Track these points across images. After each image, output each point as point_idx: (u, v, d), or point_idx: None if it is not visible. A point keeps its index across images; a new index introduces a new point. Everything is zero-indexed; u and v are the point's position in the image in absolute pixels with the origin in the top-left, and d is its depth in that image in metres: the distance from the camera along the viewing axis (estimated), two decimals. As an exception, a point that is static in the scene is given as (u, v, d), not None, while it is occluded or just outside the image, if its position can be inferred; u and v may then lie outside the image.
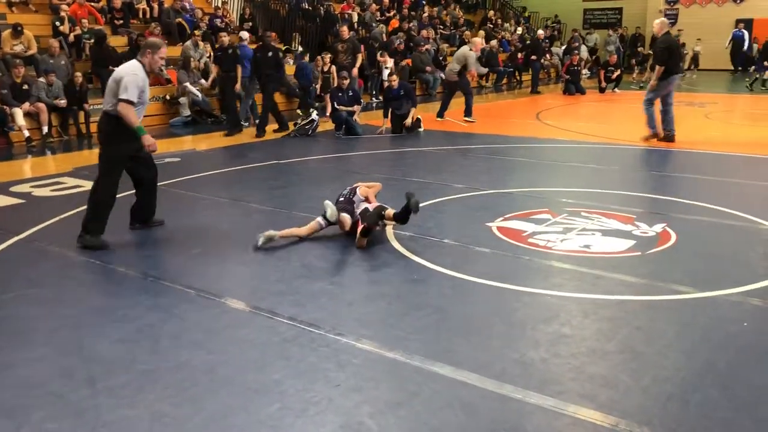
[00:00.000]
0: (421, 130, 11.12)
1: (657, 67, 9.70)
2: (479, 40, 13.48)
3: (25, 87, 10.37)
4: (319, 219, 5.31)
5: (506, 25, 24.72)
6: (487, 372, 3.19)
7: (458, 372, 3.19)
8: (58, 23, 12.50)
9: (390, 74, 13.02)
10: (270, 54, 10.84)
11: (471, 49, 12.35)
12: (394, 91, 10.95)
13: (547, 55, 22.04)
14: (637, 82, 20.53)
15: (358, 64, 13.30)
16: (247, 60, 11.42)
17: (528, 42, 21.17)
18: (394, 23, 19.42)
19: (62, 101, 10.62)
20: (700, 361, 3.30)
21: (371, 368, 3.26)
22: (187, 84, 12.29)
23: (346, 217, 5.25)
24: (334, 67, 13.27)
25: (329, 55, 13.99)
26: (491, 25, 23.35)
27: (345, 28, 13.88)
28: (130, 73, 5.01)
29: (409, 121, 10.87)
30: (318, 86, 14.35)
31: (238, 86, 11.17)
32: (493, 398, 2.98)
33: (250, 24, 16.57)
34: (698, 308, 3.96)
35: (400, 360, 3.32)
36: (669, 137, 9.78)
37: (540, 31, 21.67)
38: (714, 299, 4.06)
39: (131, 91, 4.93)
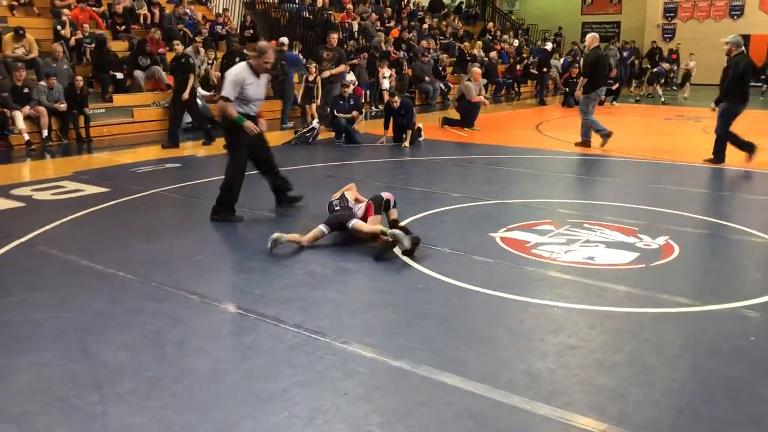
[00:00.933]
0: (422, 139, 11.12)
1: (581, 78, 10.82)
2: (478, 70, 13.48)
3: (26, 90, 10.36)
4: (322, 227, 5.30)
5: (505, 36, 24.83)
6: (494, 382, 3.17)
7: (466, 382, 3.17)
8: (59, 27, 12.49)
9: (391, 91, 12.76)
10: (237, 60, 9.99)
11: (469, 79, 12.88)
12: (394, 111, 10.91)
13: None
14: (634, 95, 20.62)
15: (335, 71, 12.89)
16: (291, 65, 11.78)
17: (537, 55, 21.31)
18: (395, 33, 19.48)
19: (62, 105, 10.60)
20: (709, 374, 3.29)
21: (378, 377, 3.24)
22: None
23: (360, 223, 5.25)
24: (320, 78, 12.94)
25: (315, 65, 13.49)
26: (490, 37, 23.44)
27: (335, 36, 13.52)
28: (232, 73, 5.85)
29: (407, 141, 10.77)
30: (299, 94, 14.00)
31: (186, 94, 10.40)
32: (502, 409, 2.96)
33: (251, 32, 16.59)
34: (704, 321, 3.96)
35: (407, 369, 3.31)
36: (586, 143, 10.67)
37: (549, 44, 21.76)
38: (719, 312, 4.06)
39: (227, 89, 5.80)
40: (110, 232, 5.74)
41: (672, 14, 27.06)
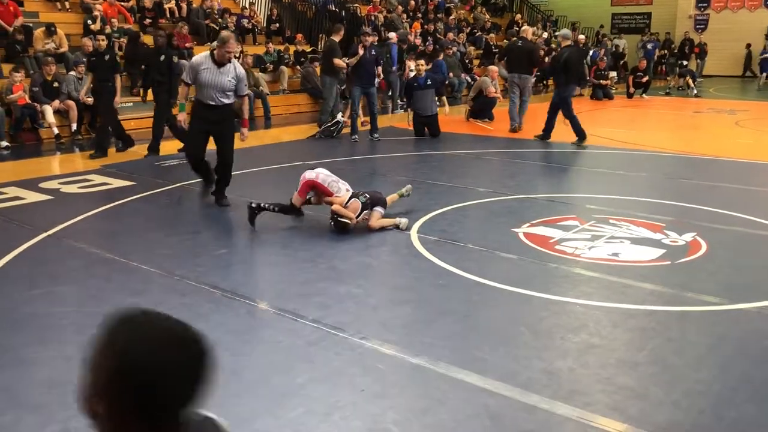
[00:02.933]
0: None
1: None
2: (495, 68, 13.53)
3: (56, 84, 10.50)
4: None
5: (533, 29, 24.53)
6: (513, 381, 3.14)
7: (484, 380, 3.14)
8: (90, 22, 12.65)
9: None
10: (162, 58, 9.05)
11: (487, 75, 13.11)
12: (420, 80, 10.80)
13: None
14: (664, 87, 20.28)
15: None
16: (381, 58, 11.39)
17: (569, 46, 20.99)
18: (417, 26, 19.36)
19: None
20: (735, 375, 3.22)
21: (396, 374, 3.23)
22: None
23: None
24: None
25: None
26: (517, 29, 23.18)
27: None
28: (192, 59, 6.28)
29: (446, 106, 10.86)
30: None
31: (117, 99, 9.21)
32: (520, 408, 2.93)
33: (277, 25, 16.64)
34: (732, 320, 3.88)
35: (426, 366, 3.29)
36: (515, 129, 11.23)
37: (581, 36, 21.45)
38: (747, 311, 3.97)
39: (184, 72, 6.25)
40: (135, 226, 5.80)
41: (705, 4, 26.48)
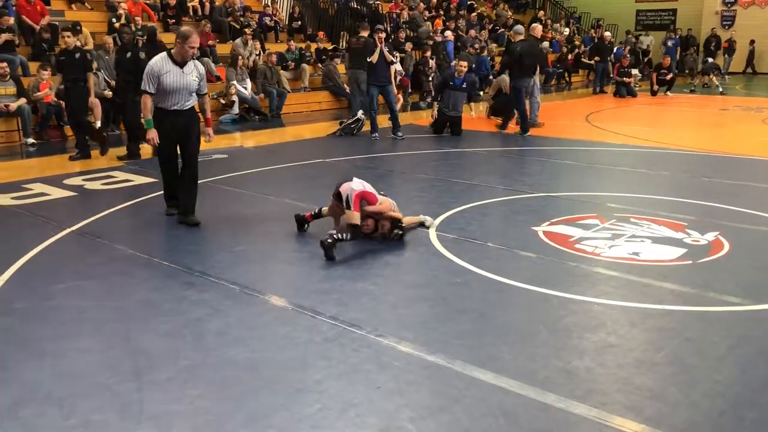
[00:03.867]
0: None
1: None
2: None
3: (81, 83, 10.63)
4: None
5: (556, 25, 24.38)
6: (529, 380, 3.13)
7: (500, 379, 3.14)
8: (114, 20, 12.80)
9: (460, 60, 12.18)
10: (128, 55, 8.79)
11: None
12: (458, 80, 10.74)
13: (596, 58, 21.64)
14: (689, 85, 20.01)
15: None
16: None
17: (594, 43, 20.82)
18: (438, 22, 19.31)
19: (108, 92, 10.83)
20: (756, 377, 3.18)
21: (412, 371, 3.23)
22: (235, 82, 12.45)
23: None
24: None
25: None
26: (541, 25, 23.04)
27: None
28: (149, 65, 5.43)
29: (472, 110, 10.78)
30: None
31: (92, 99, 9.00)
32: (536, 407, 2.93)
33: (299, 23, 16.70)
34: (753, 321, 3.83)
35: (442, 364, 3.29)
36: (534, 124, 11.50)
37: (607, 33, 21.25)
38: (769, 312, 3.92)
39: (143, 82, 5.40)
40: (156, 222, 5.87)
41: (732, 0, 26.10)
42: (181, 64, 5.43)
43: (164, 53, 5.50)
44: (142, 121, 5.44)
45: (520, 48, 10.86)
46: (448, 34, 13.98)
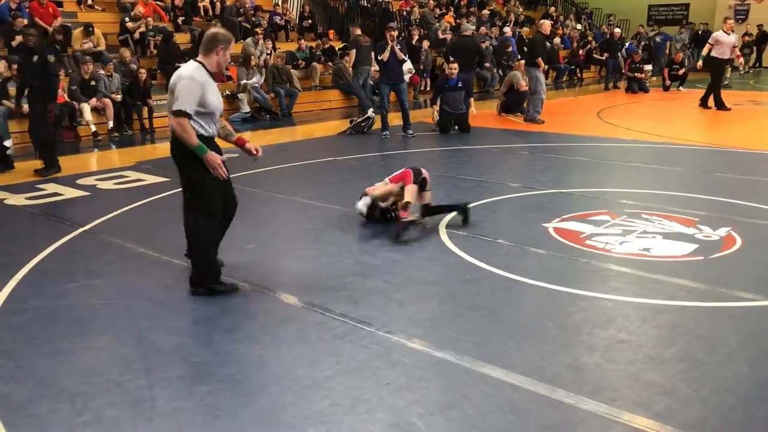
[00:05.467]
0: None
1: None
2: (522, 62, 13.45)
3: (93, 83, 10.72)
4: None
5: (567, 21, 24.25)
6: (539, 376, 3.13)
7: (509, 375, 3.14)
8: (127, 19, 12.89)
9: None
10: (35, 59, 7.59)
11: (518, 69, 13.10)
12: (451, 82, 10.71)
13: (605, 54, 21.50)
14: (701, 80, 19.83)
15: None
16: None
17: (604, 39, 20.70)
18: (448, 18, 19.27)
19: (118, 96, 10.91)
20: (766, 373, 3.16)
21: (421, 368, 3.24)
22: (246, 81, 12.50)
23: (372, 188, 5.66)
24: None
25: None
26: (552, 21, 22.93)
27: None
28: (184, 76, 3.92)
29: (473, 110, 10.73)
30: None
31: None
32: (545, 403, 2.93)
33: (310, 22, 16.73)
34: (765, 317, 3.80)
35: (451, 361, 3.30)
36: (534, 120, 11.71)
37: (617, 29, 21.11)
38: (781, 308, 3.89)
39: (183, 99, 3.85)
40: (168, 221, 5.89)
41: (745, -6, 25.84)
42: (214, 77, 4.09)
43: (196, 63, 4.02)
44: (190, 145, 3.95)
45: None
46: (507, 30, 14.35)
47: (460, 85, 10.70)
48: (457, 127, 10.81)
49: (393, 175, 5.70)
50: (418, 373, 3.19)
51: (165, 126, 11.70)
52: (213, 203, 4.13)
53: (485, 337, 3.57)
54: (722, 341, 3.49)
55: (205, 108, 3.95)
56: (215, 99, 4.02)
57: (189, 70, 3.96)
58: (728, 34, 13.18)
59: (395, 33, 10.42)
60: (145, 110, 11.30)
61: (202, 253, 4.18)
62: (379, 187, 5.64)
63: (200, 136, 3.97)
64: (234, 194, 4.36)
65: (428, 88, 16.54)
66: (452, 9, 20.61)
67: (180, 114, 3.86)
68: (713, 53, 13.17)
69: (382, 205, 5.61)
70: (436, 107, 10.86)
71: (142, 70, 11.43)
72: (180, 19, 14.23)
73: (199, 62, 4.02)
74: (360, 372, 3.19)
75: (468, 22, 18.91)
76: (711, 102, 13.29)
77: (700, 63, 13.28)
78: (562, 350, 3.40)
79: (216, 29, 4.17)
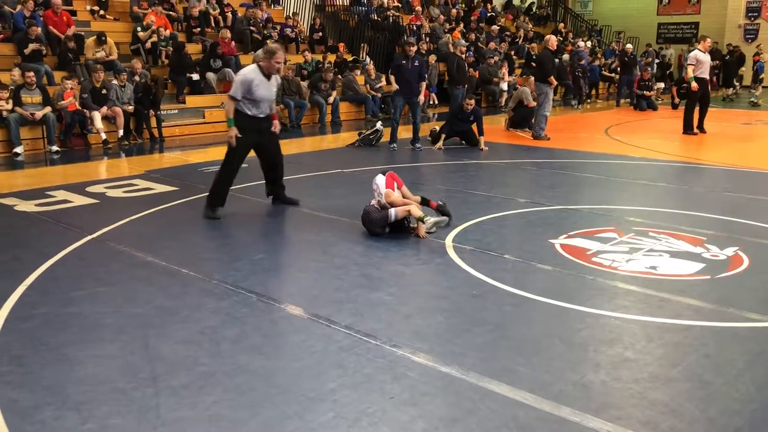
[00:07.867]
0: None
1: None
2: (532, 79, 13.44)
3: (104, 91, 10.82)
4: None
5: (577, 39, 24.30)
6: (544, 393, 3.12)
7: (515, 391, 3.14)
8: (139, 29, 13.01)
9: (469, 94, 11.76)
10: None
11: (527, 85, 13.20)
12: (465, 113, 10.75)
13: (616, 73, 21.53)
14: (716, 98, 19.84)
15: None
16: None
17: (619, 55, 20.76)
18: (456, 35, 19.36)
19: (130, 107, 11.00)
20: (772, 394, 3.15)
21: (427, 382, 3.24)
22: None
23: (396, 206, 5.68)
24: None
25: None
26: (561, 38, 23.00)
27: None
28: (241, 73, 6.17)
29: (484, 147, 10.55)
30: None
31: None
32: (550, 420, 2.92)
33: (320, 34, 16.83)
34: (771, 338, 3.79)
35: (456, 376, 3.29)
36: (539, 136, 11.73)
37: (629, 45, 21.16)
38: (789, 329, 3.87)
39: (235, 88, 6.11)
40: (176, 230, 5.94)
41: (755, 14, 25.88)
42: (268, 76, 6.14)
43: (255, 65, 6.18)
44: (226, 116, 6.16)
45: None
46: (581, 44, 14.68)
47: (471, 118, 10.73)
48: (464, 143, 10.85)
49: (384, 181, 5.86)
50: (423, 388, 3.19)
51: (174, 135, 11.79)
52: (229, 157, 6.29)
53: (491, 352, 3.57)
54: (729, 361, 3.48)
55: (252, 96, 6.07)
56: (263, 91, 6.11)
57: (245, 70, 6.22)
58: (704, 53, 12.63)
59: (414, 48, 10.50)
60: (155, 119, 11.37)
61: (216, 181, 6.30)
62: (396, 198, 5.75)
63: (245, 114, 6.12)
64: (275, 155, 6.62)
65: (435, 102, 16.59)
66: (462, 24, 20.69)
67: (230, 97, 6.14)
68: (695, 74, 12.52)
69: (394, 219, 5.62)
70: (443, 137, 10.79)
71: (152, 80, 11.51)
72: (196, 30, 14.33)
73: (258, 65, 6.16)
74: (365, 385, 3.19)
75: (475, 38, 19.06)
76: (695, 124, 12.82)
77: (694, 85, 12.42)
78: (568, 367, 3.39)
79: (269, 44, 6.01)
